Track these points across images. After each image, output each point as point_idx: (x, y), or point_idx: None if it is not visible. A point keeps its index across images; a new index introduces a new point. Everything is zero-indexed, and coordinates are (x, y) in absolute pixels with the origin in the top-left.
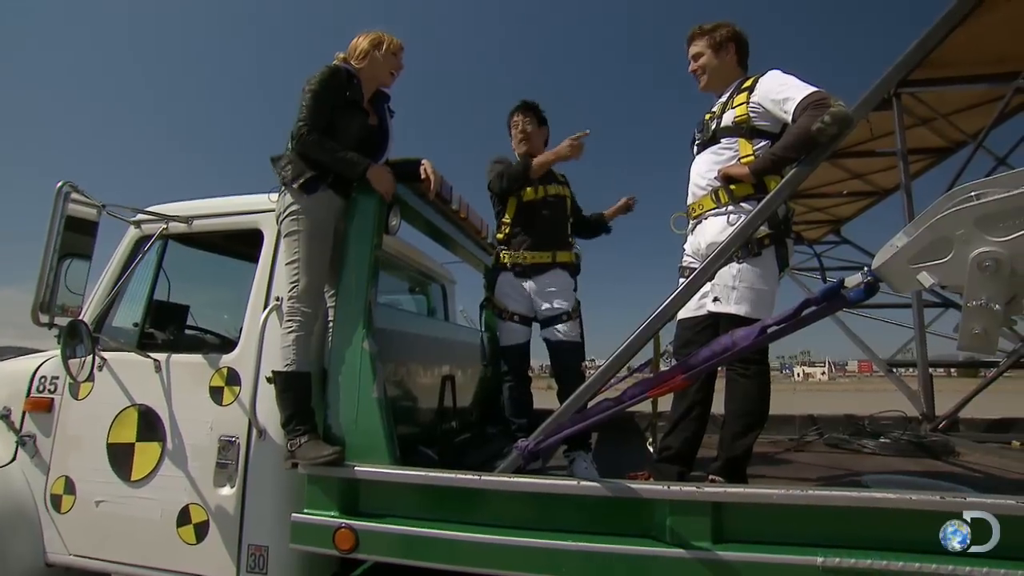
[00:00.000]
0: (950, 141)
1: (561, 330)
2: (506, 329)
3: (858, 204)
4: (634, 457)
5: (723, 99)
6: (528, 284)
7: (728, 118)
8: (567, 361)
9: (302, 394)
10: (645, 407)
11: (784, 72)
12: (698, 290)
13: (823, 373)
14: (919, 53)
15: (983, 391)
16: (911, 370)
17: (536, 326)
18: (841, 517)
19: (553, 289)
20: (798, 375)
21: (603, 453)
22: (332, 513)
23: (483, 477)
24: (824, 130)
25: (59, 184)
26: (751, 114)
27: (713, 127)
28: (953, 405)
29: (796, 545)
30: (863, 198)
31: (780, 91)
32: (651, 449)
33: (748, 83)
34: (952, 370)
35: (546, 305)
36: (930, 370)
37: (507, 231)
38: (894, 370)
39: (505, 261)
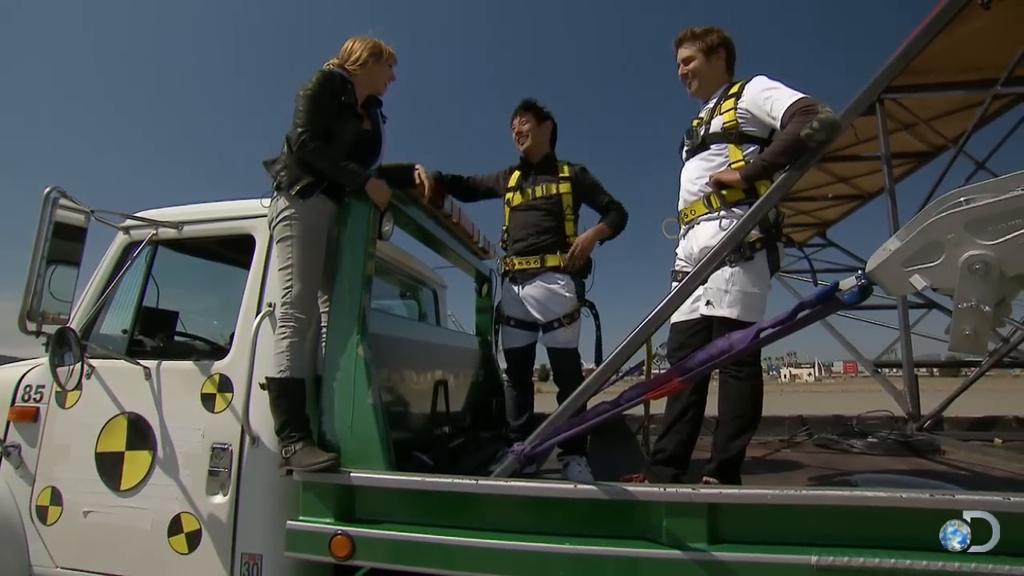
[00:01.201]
0: (931, 146)
1: (555, 336)
2: (505, 333)
3: (843, 207)
4: (627, 460)
5: (710, 105)
6: (520, 290)
7: (716, 124)
8: (559, 366)
9: (296, 400)
10: (637, 410)
11: (770, 78)
12: (691, 294)
13: (809, 374)
14: (904, 60)
15: (966, 390)
16: (895, 370)
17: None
18: (834, 516)
19: (544, 295)
20: (784, 376)
21: (596, 456)
22: (328, 520)
23: (480, 482)
24: (813, 136)
25: (47, 190)
26: (739, 120)
27: (702, 133)
28: (937, 404)
29: (791, 545)
30: (848, 201)
31: (767, 97)
32: (644, 452)
33: (734, 89)
34: (934, 370)
35: (539, 311)
36: (915, 370)
37: (505, 238)
38: (880, 370)
39: (502, 270)
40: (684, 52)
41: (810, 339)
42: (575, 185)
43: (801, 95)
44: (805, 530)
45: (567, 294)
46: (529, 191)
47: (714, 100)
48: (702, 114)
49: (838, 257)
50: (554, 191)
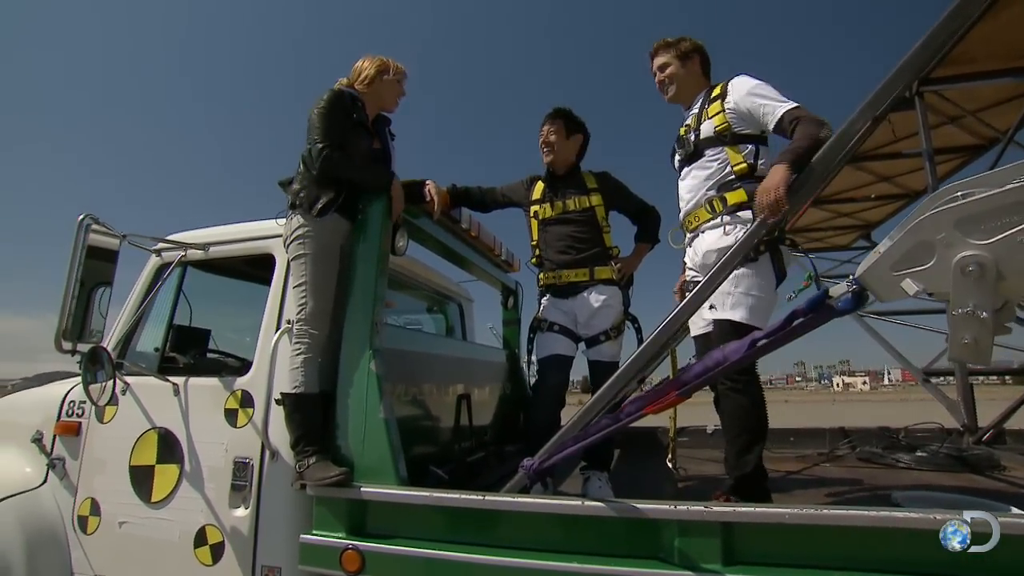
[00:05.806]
0: (982, 138)
1: (600, 349)
2: (548, 340)
3: (888, 207)
4: (654, 476)
5: (695, 111)
6: (569, 303)
7: (707, 129)
8: (602, 378)
9: (311, 415)
10: (663, 421)
11: (752, 77)
12: (704, 302)
13: (864, 383)
14: (932, 47)
15: None
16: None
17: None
18: (858, 537)
19: (595, 307)
20: (837, 384)
21: (623, 472)
22: (339, 534)
23: (487, 497)
24: (827, 138)
25: (80, 216)
26: (730, 121)
27: (692, 140)
28: (998, 415)
29: (813, 568)
30: (893, 201)
31: (758, 98)
32: (671, 467)
33: (717, 91)
34: (1007, 377)
35: (587, 324)
36: (979, 378)
37: (537, 253)
38: (932, 379)
39: (543, 283)
40: (659, 60)
41: (865, 347)
42: (604, 195)
43: (793, 103)
44: (828, 552)
45: (617, 306)
46: (560, 204)
47: (697, 105)
48: (688, 121)
49: None
50: (587, 203)
